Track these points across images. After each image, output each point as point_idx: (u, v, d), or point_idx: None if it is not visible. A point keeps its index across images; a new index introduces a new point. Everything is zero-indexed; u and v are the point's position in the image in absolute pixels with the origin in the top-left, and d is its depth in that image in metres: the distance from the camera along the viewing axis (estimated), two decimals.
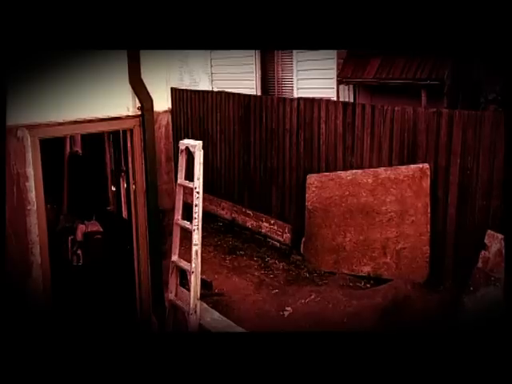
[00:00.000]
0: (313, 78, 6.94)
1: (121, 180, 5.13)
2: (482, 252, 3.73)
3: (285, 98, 6.03)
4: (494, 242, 3.68)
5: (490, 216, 3.99)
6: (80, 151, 5.97)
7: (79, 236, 4.90)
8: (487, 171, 4.03)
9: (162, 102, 3.61)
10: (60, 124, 3.38)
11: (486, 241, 3.74)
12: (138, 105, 3.45)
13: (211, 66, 9.00)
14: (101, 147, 5.34)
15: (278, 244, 5.63)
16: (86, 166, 5.59)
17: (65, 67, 3.32)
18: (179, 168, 3.55)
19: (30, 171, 3.32)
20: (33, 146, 3.32)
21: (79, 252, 4.85)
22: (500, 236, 3.67)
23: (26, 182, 3.32)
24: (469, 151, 4.13)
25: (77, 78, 3.31)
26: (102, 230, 4.92)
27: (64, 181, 5.61)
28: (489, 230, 3.80)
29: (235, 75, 8.19)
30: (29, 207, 3.35)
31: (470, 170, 4.13)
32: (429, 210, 4.30)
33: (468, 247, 4.12)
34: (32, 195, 3.34)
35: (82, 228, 4.93)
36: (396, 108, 4.60)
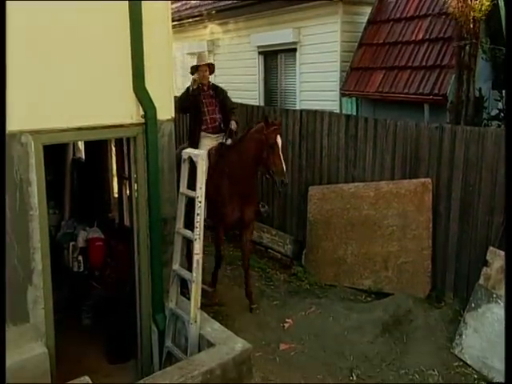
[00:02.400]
0: (316, 91, 6.95)
1: (123, 187, 5.12)
2: (484, 268, 3.68)
3: (288, 110, 6.03)
4: (496, 258, 3.63)
5: (491, 232, 3.94)
6: (83, 157, 5.98)
7: (81, 242, 4.87)
8: (489, 187, 3.99)
9: (165, 111, 3.60)
10: (64, 130, 3.37)
11: (487, 257, 3.70)
12: (142, 113, 3.44)
13: (215, 76, 9.04)
14: (103, 154, 5.35)
15: (279, 255, 5.59)
16: (88, 172, 5.58)
17: (69, 74, 3.32)
18: (182, 177, 3.54)
19: (33, 177, 3.30)
20: (36, 151, 3.30)
21: (80, 258, 4.82)
22: (502, 253, 3.63)
23: (29, 188, 3.30)
24: (471, 167, 4.11)
25: (82, 86, 3.31)
26: (103, 236, 4.89)
27: (66, 187, 5.59)
28: (491, 247, 3.76)
29: (239, 85, 8.21)
30: (31, 212, 3.32)
31: (473, 185, 4.09)
32: (431, 225, 4.26)
33: (470, 263, 4.09)
34: (34, 201, 3.31)
35: (83, 234, 4.90)
36: (398, 122, 4.59)
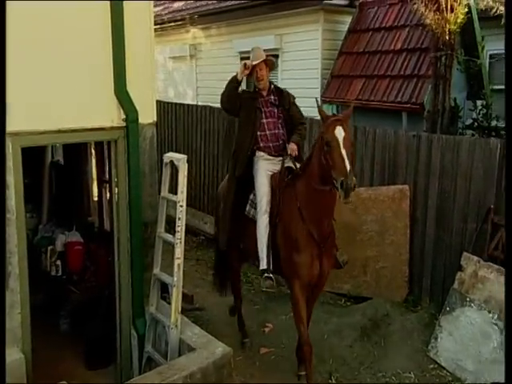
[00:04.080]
0: (297, 97, 7.02)
1: (103, 191, 5.05)
2: (458, 273, 3.78)
3: None
4: (470, 263, 3.73)
5: (466, 238, 4.05)
6: (62, 160, 5.87)
7: (59, 246, 4.77)
8: (464, 195, 4.10)
9: (147, 114, 3.56)
10: (43, 133, 3.31)
11: (462, 262, 3.79)
12: (123, 116, 3.40)
13: (197, 80, 9.04)
14: (83, 157, 5.26)
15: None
16: (67, 175, 5.48)
17: (49, 75, 3.27)
18: (163, 181, 3.51)
19: (11, 179, 3.23)
20: (14, 154, 3.23)
21: (58, 263, 4.72)
22: (475, 258, 3.73)
23: (6, 190, 3.22)
24: (447, 175, 4.20)
25: (62, 88, 3.26)
26: (82, 240, 4.80)
27: (44, 190, 5.47)
28: (465, 252, 3.85)
29: (220, 90, 8.22)
30: (8, 216, 3.24)
31: (448, 193, 4.20)
32: (408, 231, 4.35)
33: (445, 268, 4.18)
34: (12, 203, 3.24)
35: (62, 238, 4.81)
36: (378, 130, 4.67)
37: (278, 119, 3.54)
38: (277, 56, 7.28)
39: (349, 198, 2.74)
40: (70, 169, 5.47)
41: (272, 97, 3.54)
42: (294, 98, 3.65)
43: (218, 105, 6.66)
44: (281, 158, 3.47)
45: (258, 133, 3.49)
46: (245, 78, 3.60)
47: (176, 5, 9.34)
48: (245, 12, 7.41)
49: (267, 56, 3.53)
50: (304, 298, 3.24)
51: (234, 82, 3.51)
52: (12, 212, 3.25)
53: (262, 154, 3.50)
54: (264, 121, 3.50)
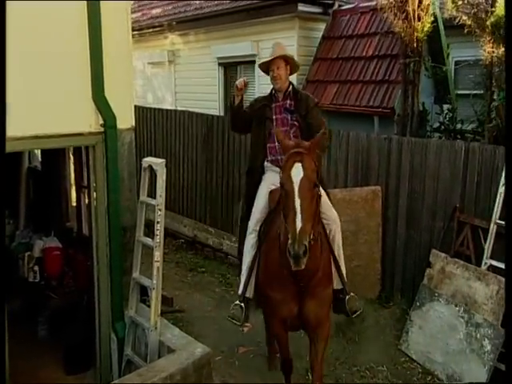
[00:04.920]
0: None
1: (81, 196, 5.00)
2: (427, 270, 3.90)
3: None
4: (438, 260, 3.86)
5: (434, 236, 4.18)
6: (39, 166, 5.78)
7: (37, 252, 4.70)
8: (432, 194, 4.23)
9: (125, 120, 3.54)
10: (20, 138, 3.26)
11: (430, 259, 3.91)
12: (101, 122, 3.37)
13: (175, 86, 9.03)
14: (61, 162, 5.20)
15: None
16: (44, 181, 5.40)
17: (25, 79, 3.23)
18: (141, 185, 3.51)
19: None
20: None
21: (36, 268, 4.64)
22: (443, 255, 3.87)
23: None
24: (416, 176, 4.32)
25: (39, 94, 3.23)
26: (60, 246, 4.75)
27: (21, 196, 5.38)
28: (433, 249, 3.98)
29: (199, 95, 8.25)
30: None
31: (417, 193, 4.32)
32: (380, 230, 4.46)
33: (415, 265, 4.30)
34: None
35: (39, 244, 4.73)
36: (351, 133, 4.77)
37: (290, 128, 2.97)
38: (254, 62, 7.37)
39: (301, 265, 2.16)
40: (47, 174, 5.39)
41: (288, 101, 3.01)
42: (316, 103, 3.08)
43: (197, 109, 6.72)
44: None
45: (268, 144, 3.00)
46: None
47: (154, 11, 9.31)
48: (222, 19, 7.45)
49: (282, 55, 2.97)
50: (284, 332, 2.86)
51: (234, 108, 3.11)
52: None
53: (269, 164, 3.05)
54: (274, 130, 2.92)
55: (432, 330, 3.63)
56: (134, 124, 3.68)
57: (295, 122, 2.98)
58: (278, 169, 2.80)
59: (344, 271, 2.96)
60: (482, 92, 5.24)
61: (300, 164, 2.28)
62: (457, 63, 6.00)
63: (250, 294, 2.95)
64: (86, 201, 4.81)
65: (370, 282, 4.41)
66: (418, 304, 3.83)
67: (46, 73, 3.27)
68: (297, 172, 2.27)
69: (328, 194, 3.07)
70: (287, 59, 3.01)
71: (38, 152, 5.54)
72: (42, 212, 5.28)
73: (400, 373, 3.49)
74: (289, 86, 3.05)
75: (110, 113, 3.38)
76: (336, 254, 2.90)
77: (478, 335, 3.35)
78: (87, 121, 3.35)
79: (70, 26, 3.34)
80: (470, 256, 3.83)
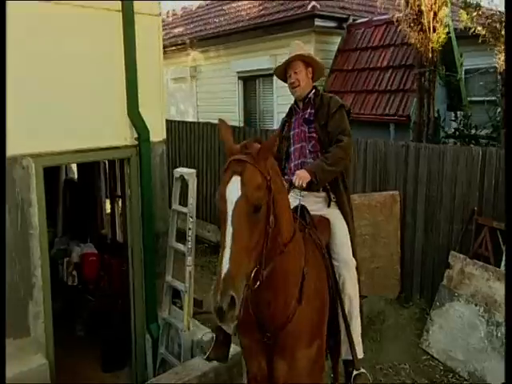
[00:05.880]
0: None
1: (115, 205, 5.21)
2: (447, 271, 3.93)
3: (267, 130, 6.28)
4: (457, 261, 3.89)
5: (452, 239, 4.20)
6: (75, 177, 6.04)
7: (75, 258, 4.91)
8: (449, 198, 4.26)
9: (157, 133, 3.70)
10: (62, 153, 3.47)
11: (450, 260, 3.94)
12: (136, 135, 3.54)
13: (197, 99, 9.26)
14: (96, 173, 5.43)
15: None
16: (80, 191, 5.64)
17: (67, 99, 3.42)
18: (173, 194, 3.65)
19: (34, 197, 3.37)
20: (37, 174, 3.38)
21: (74, 273, 4.86)
22: (462, 256, 3.89)
23: (30, 208, 3.37)
24: (433, 181, 4.36)
25: (79, 111, 3.40)
26: (96, 252, 4.95)
27: (59, 206, 5.62)
28: (452, 251, 4.00)
29: (219, 107, 8.43)
30: (31, 231, 3.38)
31: (435, 197, 4.35)
32: (399, 233, 4.50)
33: (434, 267, 4.32)
34: (35, 220, 3.38)
35: (77, 250, 4.96)
36: (369, 140, 4.83)
37: (307, 143, 2.38)
38: (272, 75, 7.51)
39: (227, 322, 1.52)
40: (83, 185, 5.63)
41: (308, 110, 2.40)
42: (339, 107, 2.33)
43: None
44: (316, 194, 2.33)
45: (287, 164, 2.45)
46: None
47: (176, 30, 9.60)
48: (241, 35, 7.65)
49: (299, 57, 2.35)
50: None
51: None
52: (35, 228, 3.39)
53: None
54: (292, 149, 2.42)
55: (452, 328, 3.65)
56: (165, 136, 3.84)
57: (313, 134, 2.35)
58: (297, 191, 2.25)
59: (357, 337, 2.24)
60: (494, 98, 5.26)
61: (239, 178, 1.58)
62: (467, 71, 6.03)
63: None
64: (120, 209, 5.02)
65: (390, 283, 4.45)
66: (438, 304, 3.86)
67: (86, 92, 3.48)
68: (233, 189, 1.58)
69: (347, 222, 2.33)
70: (307, 61, 2.38)
71: (74, 165, 5.78)
72: (79, 220, 5.52)
73: (422, 370, 3.52)
74: (309, 92, 2.40)
75: (143, 127, 3.55)
76: (346, 309, 2.17)
77: (499, 333, 3.36)
78: (123, 135, 3.53)
79: (107, 47, 3.54)
80: (489, 257, 3.84)
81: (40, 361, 3.36)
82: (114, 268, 4.73)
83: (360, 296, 2.36)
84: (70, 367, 3.80)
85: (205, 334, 2.49)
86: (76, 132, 3.36)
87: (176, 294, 3.97)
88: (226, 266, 1.51)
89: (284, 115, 2.55)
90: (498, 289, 3.50)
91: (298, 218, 2.07)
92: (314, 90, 2.41)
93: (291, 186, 2.15)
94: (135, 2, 3.55)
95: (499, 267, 3.67)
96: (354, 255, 2.33)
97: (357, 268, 2.31)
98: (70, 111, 3.39)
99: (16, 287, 3.30)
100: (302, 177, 2.13)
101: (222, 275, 1.51)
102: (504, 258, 3.45)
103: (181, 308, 3.82)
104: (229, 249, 1.52)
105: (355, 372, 2.23)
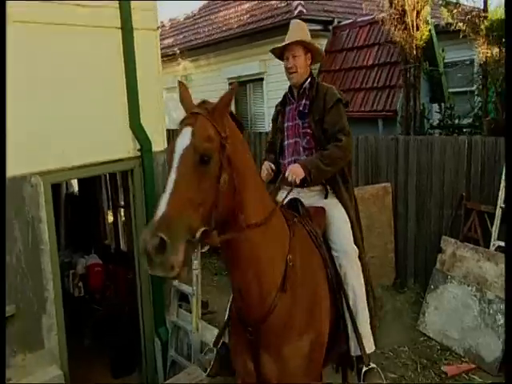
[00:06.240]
0: None
1: (118, 215, 5.38)
2: (439, 255, 4.13)
3: (260, 133, 6.49)
4: (449, 245, 4.09)
5: (443, 224, 4.41)
6: (76, 190, 6.20)
7: (80, 269, 5.06)
8: (438, 186, 4.46)
9: (159, 143, 3.79)
10: (69, 169, 3.60)
11: (441, 245, 4.14)
12: (138, 147, 3.66)
13: None
14: (97, 185, 5.58)
15: None
16: (82, 204, 5.80)
17: (72, 118, 3.58)
18: None
19: (43, 214, 3.48)
20: (45, 191, 3.50)
21: (80, 284, 5.00)
22: (453, 240, 4.10)
23: (40, 224, 3.49)
24: (423, 171, 4.55)
25: (83, 127, 3.53)
26: (101, 262, 5.11)
27: (61, 220, 5.76)
28: (444, 236, 4.20)
29: None
30: (42, 247, 3.50)
31: (425, 186, 4.56)
32: (392, 223, 4.70)
33: (426, 252, 4.52)
34: (45, 236, 3.49)
35: (82, 262, 5.10)
36: (360, 136, 5.02)
37: (301, 139, 2.24)
38: (262, 79, 7.76)
39: (155, 269, 1.40)
40: (84, 198, 5.79)
41: (303, 101, 2.23)
42: (336, 101, 2.17)
43: None
44: (310, 190, 2.23)
45: (280, 160, 2.34)
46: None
47: (166, 41, 9.83)
48: (231, 43, 7.87)
49: (301, 44, 2.22)
50: None
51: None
52: (46, 243, 3.51)
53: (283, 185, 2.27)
54: (286, 143, 2.30)
55: (447, 309, 3.85)
56: (166, 146, 3.97)
57: (308, 130, 2.20)
58: (297, 189, 2.16)
59: (366, 330, 2.08)
60: (473, 89, 5.50)
61: (190, 129, 1.54)
62: (445, 64, 6.28)
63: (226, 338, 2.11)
64: (123, 219, 5.19)
65: (385, 270, 4.64)
66: (432, 287, 4.06)
67: (89, 108, 3.58)
68: (182, 139, 1.53)
69: (347, 211, 2.21)
70: (307, 45, 2.23)
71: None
72: (81, 233, 5.67)
73: (421, 351, 3.70)
74: (305, 81, 2.23)
75: (146, 138, 3.68)
76: (351, 302, 2.04)
77: (491, 311, 3.56)
78: (126, 147, 3.66)
79: (107, 64, 3.66)
80: (478, 239, 4.05)
81: (55, 372, 3.47)
82: (120, 277, 4.89)
83: (369, 285, 2.24)
84: (81, 376, 3.93)
85: (207, 350, 2.16)
86: (81, 148, 3.48)
87: (182, 297, 4.14)
88: (161, 208, 1.39)
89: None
90: (489, 269, 3.71)
91: (281, 207, 1.93)
92: (310, 79, 2.26)
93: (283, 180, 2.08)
94: (134, 18, 3.71)
95: (488, 248, 3.88)
96: (358, 244, 2.18)
97: (361, 257, 2.17)
98: (75, 128, 3.51)
99: (29, 302, 3.41)
100: (295, 172, 2.03)
101: (155, 217, 1.38)
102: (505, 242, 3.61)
103: (187, 310, 3.99)
104: (168, 194, 1.42)
105: (365, 368, 2.09)
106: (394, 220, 4.72)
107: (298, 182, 2.03)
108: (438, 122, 5.99)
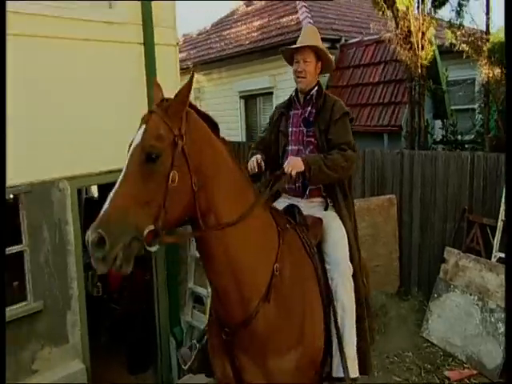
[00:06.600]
0: None
1: None
2: (442, 265, 4.19)
3: None
4: (452, 256, 4.15)
5: (446, 236, 4.46)
6: (95, 195, 6.34)
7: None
8: (442, 199, 4.51)
9: None
10: (94, 174, 3.78)
11: (445, 255, 4.19)
12: None
13: None
14: None
15: None
16: (101, 208, 5.90)
17: (98, 129, 3.73)
18: None
19: (70, 217, 3.68)
20: (71, 195, 3.70)
21: (99, 284, 5.13)
22: (456, 251, 4.16)
23: (66, 226, 3.67)
24: (427, 184, 4.60)
25: (107, 136, 3.70)
26: None
27: (81, 222, 5.88)
28: (447, 247, 4.26)
29: (222, 125, 8.71)
30: (68, 247, 3.67)
31: (429, 198, 4.61)
32: (397, 233, 4.76)
33: (429, 262, 4.57)
34: (71, 237, 3.68)
35: None
36: (366, 150, 5.10)
37: (304, 147, 2.15)
38: (271, 93, 7.90)
39: (97, 264, 1.41)
40: (103, 202, 5.90)
41: (309, 108, 2.17)
42: (343, 114, 2.11)
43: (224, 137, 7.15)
44: (311, 201, 2.15)
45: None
46: None
47: (180, 55, 10.00)
48: (242, 58, 8.04)
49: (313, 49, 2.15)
50: None
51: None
52: (71, 244, 3.69)
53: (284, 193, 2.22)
54: (289, 148, 2.20)
55: (450, 317, 3.90)
56: None
57: (312, 139, 2.13)
58: (297, 199, 2.15)
59: (351, 351, 1.90)
60: (474, 107, 5.59)
61: (143, 127, 1.55)
62: (449, 83, 6.40)
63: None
64: None
65: (390, 278, 4.69)
66: (435, 295, 4.11)
67: (113, 117, 3.79)
68: (136, 138, 1.54)
69: (345, 225, 2.10)
70: (319, 52, 2.16)
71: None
72: None
73: (424, 356, 3.75)
74: (313, 88, 2.17)
75: None
76: (339, 318, 1.89)
77: (493, 319, 3.61)
78: None
79: (130, 76, 3.87)
80: (480, 251, 4.11)
81: (78, 366, 3.65)
82: (136, 278, 4.99)
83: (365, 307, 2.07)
84: (99, 373, 4.02)
85: (190, 344, 1.99)
86: (105, 156, 3.62)
87: (196, 299, 4.22)
88: (105, 206, 1.42)
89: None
90: (490, 279, 3.76)
91: (277, 212, 1.89)
92: (317, 87, 2.18)
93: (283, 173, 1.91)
94: (155, 34, 3.89)
95: (490, 259, 3.94)
96: (354, 264, 2.02)
97: (356, 277, 2.01)
98: (101, 138, 3.70)
99: (55, 299, 3.57)
100: (294, 164, 1.90)
101: (100, 214, 1.41)
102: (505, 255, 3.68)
103: (201, 311, 4.08)
104: (114, 191, 1.44)
105: None
106: (399, 230, 4.78)
107: (293, 174, 1.89)
108: (441, 137, 6.08)
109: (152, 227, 1.42)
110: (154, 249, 1.45)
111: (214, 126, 1.72)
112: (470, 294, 3.85)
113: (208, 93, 9.32)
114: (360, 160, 5.13)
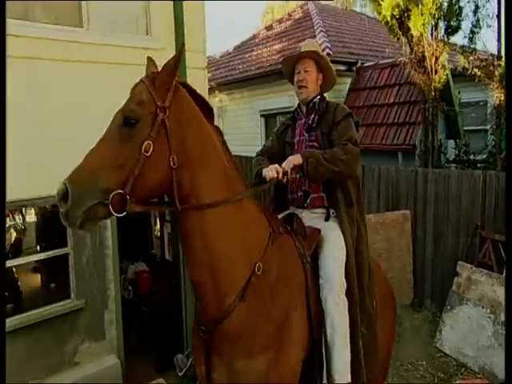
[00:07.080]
0: None
1: (164, 227, 5.67)
2: (455, 278, 4.21)
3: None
4: (464, 270, 4.17)
5: (459, 250, 4.48)
6: None
7: (130, 274, 5.35)
8: (455, 215, 4.55)
9: None
10: None
11: (458, 269, 4.22)
12: None
13: (223, 135, 9.80)
14: None
15: None
16: (132, 218, 6.09)
17: None
18: None
19: (108, 222, 3.87)
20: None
21: (130, 288, 5.29)
22: (468, 265, 4.18)
23: (105, 231, 3.85)
24: (440, 200, 4.65)
25: None
26: (148, 269, 5.39)
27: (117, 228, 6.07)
28: (459, 261, 4.29)
29: (243, 141, 8.95)
30: (106, 251, 3.85)
31: (442, 214, 4.65)
32: (411, 247, 4.79)
33: (443, 275, 4.59)
34: (109, 242, 3.85)
35: (132, 268, 5.41)
36: (382, 167, 5.17)
37: None
38: (290, 112, 8.05)
39: (64, 216, 1.38)
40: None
41: (311, 116, 2.09)
42: (346, 115, 2.01)
43: (245, 154, 7.36)
44: (313, 211, 2.02)
45: None
46: None
47: None
48: (263, 79, 8.25)
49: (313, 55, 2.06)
50: None
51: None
52: (110, 248, 3.87)
53: (290, 206, 2.14)
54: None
55: (463, 328, 3.91)
56: None
57: (314, 143, 2.03)
58: (299, 210, 2.02)
59: (341, 369, 1.70)
60: (487, 128, 5.62)
61: (130, 94, 1.51)
62: (461, 104, 6.46)
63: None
64: (169, 231, 5.47)
65: (404, 290, 4.71)
66: (448, 307, 4.13)
67: None
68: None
69: (345, 235, 1.92)
70: (321, 63, 2.07)
71: None
72: (131, 242, 5.97)
73: (437, 366, 3.77)
74: (315, 97, 2.09)
75: None
76: (328, 334, 1.72)
77: (505, 332, 3.61)
78: None
79: None
80: (492, 266, 4.11)
81: (113, 360, 3.80)
82: (165, 282, 5.14)
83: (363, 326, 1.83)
84: (130, 370, 4.13)
85: (188, 352, 1.93)
86: None
87: None
88: (80, 163, 1.38)
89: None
90: (502, 293, 3.76)
91: (276, 218, 1.81)
92: (319, 96, 2.11)
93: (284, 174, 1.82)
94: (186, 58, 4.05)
95: (502, 274, 3.95)
96: (350, 280, 1.82)
97: (353, 293, 1.82)
98: None
99: (95, 299, 3.74)
100: (290, 159, 1.84)
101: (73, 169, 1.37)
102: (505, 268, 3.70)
103: None
104: (90, 150, 1.40)
105: None
106: (413, 244, 4.81)
107: (290, 166, 1.82)
108: (453, 156, 6.12)
109: (120, 191, 1.36)
110: (120, 215, 1.40)
111: (208, 113, 1.65)
112: (483, 307, 3.86)
113: (230, 111, 9.56)
114: (371, 177, 5.22)
